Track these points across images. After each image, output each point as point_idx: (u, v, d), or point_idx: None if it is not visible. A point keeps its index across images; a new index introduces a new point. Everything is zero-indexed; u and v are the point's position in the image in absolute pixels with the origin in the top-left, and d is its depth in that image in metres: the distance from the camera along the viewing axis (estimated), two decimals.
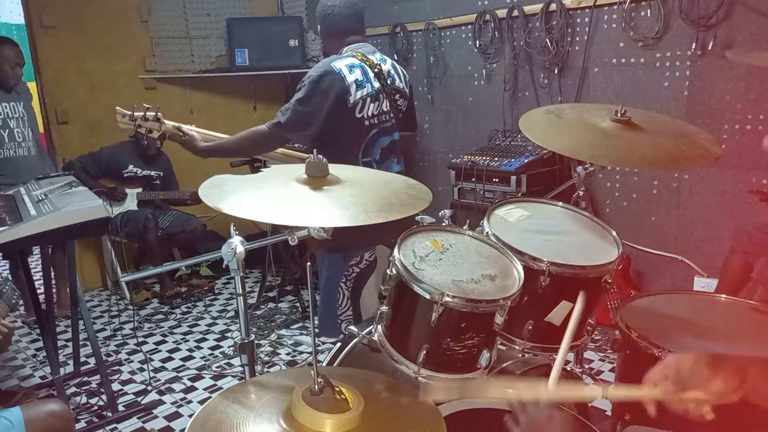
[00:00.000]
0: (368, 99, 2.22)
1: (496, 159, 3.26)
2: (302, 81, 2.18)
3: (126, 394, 2.86)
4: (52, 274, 2.85)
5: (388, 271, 1.38)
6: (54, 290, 3.55)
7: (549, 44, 3.30)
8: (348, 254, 2.28)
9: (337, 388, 1.07)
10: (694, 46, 2.80)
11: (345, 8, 2.31)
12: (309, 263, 1.15)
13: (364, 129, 2.24)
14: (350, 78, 2.17)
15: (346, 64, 2.19)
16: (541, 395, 1.03)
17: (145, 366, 3.06)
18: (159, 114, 2.34)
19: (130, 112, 2.34)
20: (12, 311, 1.97)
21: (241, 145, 2.29)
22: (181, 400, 2.79)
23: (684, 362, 0.94)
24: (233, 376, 2.99)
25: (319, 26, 2.39)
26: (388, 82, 2.30)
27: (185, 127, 2.35)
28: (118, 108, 2.36)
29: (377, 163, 2.28)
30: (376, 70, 2.26)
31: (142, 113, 2.33)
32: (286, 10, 4.89)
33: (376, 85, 2.25)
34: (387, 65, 2.33)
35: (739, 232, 2.66)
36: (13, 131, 3.55)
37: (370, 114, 2.24)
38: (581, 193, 1.85)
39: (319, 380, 1.05)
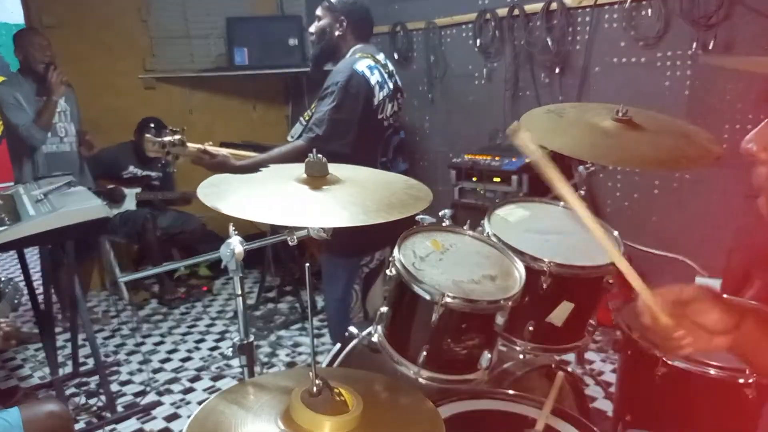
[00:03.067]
0: (386, 100, 2.22)
1: (497, 158, 3.25)
2: (326, 88, 2.12)
3: (125, 394, 2.86)
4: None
5: (388, 271, 1.37)
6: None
7: (550, 43, 3.30)
8: (363, 257, 2.27)
9: (336, 390, 1.06)
10: (694, 46, 2.80)
11: (369, 13, 2.28)
12: (308, 263, 1.15)
13: (383, 130, 2.24)
14: (372, 80, 2.16)
15: (366, 65, 2.17)
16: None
17: (144, 367, 3.06)
18: (183, 137, 2.19)
19: (160, 139, 2.17)
20: (14, 311, 1.97)
21: (281, 161, 2.10)
22: (180, 401, 2.79)
23: (688, 287, 0.95)
24: (232, 377, 2.98)
25: (343, 17, 2.22)
26: (394, 81, 2.30)
27: (211, 149, 2.18)
28: (147, 136, 2.21)
29: (390, 162, 2.27)
30: (386, 70, 2.26)
31: (171, 138, 2.17)
32: (286, 9, 4.88)
33: (391, 85, 2.25)
34: (390, 65, 2.33)
35: (739, 232, 2.65)
36: (56, 126, 3.50)
37: (387, 114, 2.24)
38: (582, 193, 1.84)
39: (317, 381, 1.04)
